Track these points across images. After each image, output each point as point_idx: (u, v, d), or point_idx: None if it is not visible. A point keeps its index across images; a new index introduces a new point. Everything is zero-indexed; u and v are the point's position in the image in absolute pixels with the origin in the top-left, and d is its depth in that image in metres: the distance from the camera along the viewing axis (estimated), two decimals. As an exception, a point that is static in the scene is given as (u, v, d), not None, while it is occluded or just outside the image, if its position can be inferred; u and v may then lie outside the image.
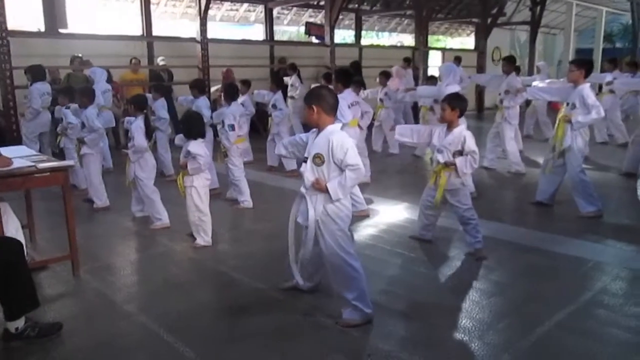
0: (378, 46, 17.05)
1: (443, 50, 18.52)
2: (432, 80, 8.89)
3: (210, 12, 10.37)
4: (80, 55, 9.11)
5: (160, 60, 10.60)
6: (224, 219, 5.46)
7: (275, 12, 13.55)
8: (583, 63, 5.34)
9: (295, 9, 14.10)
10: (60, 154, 6.56)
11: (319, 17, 14.24)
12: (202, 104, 6.53)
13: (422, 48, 14.19)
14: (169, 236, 4.95)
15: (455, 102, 4.21)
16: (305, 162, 3.16)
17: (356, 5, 15.01)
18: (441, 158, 4.24)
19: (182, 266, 4.33)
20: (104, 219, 5.57)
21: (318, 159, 3.09)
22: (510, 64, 7.45)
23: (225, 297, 3.74)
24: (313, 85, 9.42)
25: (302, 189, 3.17)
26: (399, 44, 18.17)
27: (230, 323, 3.33)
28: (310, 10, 14.32)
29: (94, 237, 4.98)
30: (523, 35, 19.62)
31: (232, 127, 5.70)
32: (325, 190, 3.05)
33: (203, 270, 4.21)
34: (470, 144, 4.15)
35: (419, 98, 8.72)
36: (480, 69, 16.23)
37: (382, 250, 4.55)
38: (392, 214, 5.61)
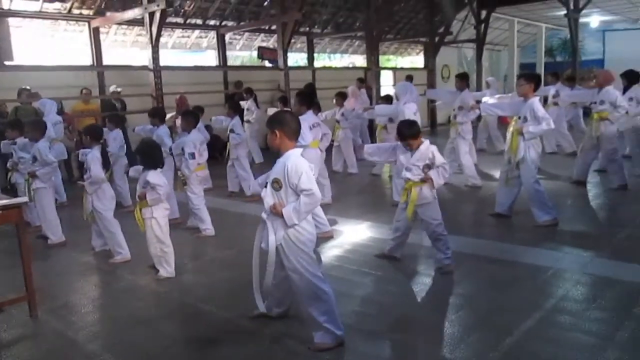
0: (331, 68, 17.28)
1: (394, 69, 18.92)
2: (388, 99, 9.04)
3: (161, 39, 10.28)
4: (28, 87, 8.84)
5: (112, 88, 10.41)
6: (186, 248, 5.36)
7: (227, 37, 13.57)
8: (532, 77, 5.55)
9: (247, 34, 14.17)
10: (11, 190, 6.31)
11: (271, 42, 14.34)
12: (163, 133, 6.44)
13: (374, 68, 14.43)
14: (131, 269, 4.81)
15: (409, 129, 4.33)
16: (266, 186, 3.16)
17: (307, 29, 15.20)
18: (411, 175, 4.30)
19: (146, 300, 4.21)
20: (61, 256, 5.37)
21: (276, 184, 3.10)
22: (462, 81, 7.66)
23: (192, 329, 3.65)
24: (270, 109, 9.39)
25: (264, 214, 3.18)
26: (351, 65, 18.46)
27: (199, 356, 3.25)
28: (262, 35, 14.41)
29: (52, 275, 4.79)
30: (470, 53, 20.29)
31: (193, 155, 5.64)
32: (282, 215, 3.05)
33: (168, 303, 4.10)
34: (439, 157, 4.29)
35: (376, 117, 8.86)
36: (431, 86, 16.63)
37: (348, 271, 4.55)
38: (355, 233, 5.63)
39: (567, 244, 5.00)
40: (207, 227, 5.80)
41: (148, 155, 4.54)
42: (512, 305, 3.73)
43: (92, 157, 5.01)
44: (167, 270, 4.55)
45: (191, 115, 6.06)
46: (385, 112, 7.82)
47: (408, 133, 4.30)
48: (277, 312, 3.57)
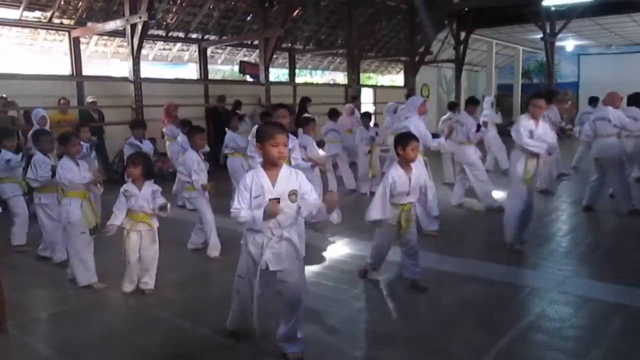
0: (312, 84, 17.38)
1: (375, 87, 19.13)
2: (367, 116, 9.11)
3: (142, 51, 10.24)
4: (4, 95, 8.72)
5: (89, 99, 10.30)
6: (164, 262, 5.27)
7: (209, 51, 13.58)
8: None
9: (229, 48, 14.20)
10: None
11: (253, 56, 14.39)
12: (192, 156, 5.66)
13: (354, 85, 14.59)
14: (105, 282, 4.71)
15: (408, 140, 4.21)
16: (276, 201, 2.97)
17: (289, 45, 15.30)
18: (413, 198, 4.27)
19: (119, 314, 4.14)
20: (32, 268, 5.24)
21: (294, 196, 3.05)
22: (473, 105, 7.65)
23: (166, 344, 3.58)
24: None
25: (280, 231, 3.05)
26: (331, 82, 18.61)
27: (174, 372, 3.20)
28: (244, 49, 14.46)
29: (21, 289, 4.66)
30: (449, 72, 20.64)
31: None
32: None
33: (142, 318, 4.03)
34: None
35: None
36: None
37: (326, 287, 4.53)
38: (333, 250, 5.62)
39: (542, 262, 5.05)
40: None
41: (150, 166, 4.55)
42: (490, 323, 3.75)
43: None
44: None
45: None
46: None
47: (414, 142, 4.18)
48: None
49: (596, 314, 3.86)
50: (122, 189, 4.35)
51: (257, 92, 12.83)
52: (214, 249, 5.42)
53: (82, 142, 5.72)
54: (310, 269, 4.98)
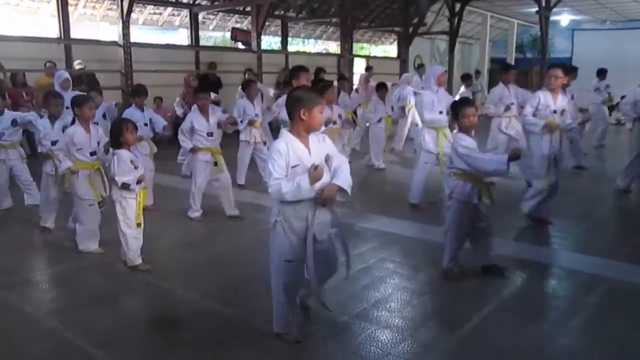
0: (304, 53, 17.19)
1: (367, 57, 18.96)
2: (384, 88, 8.70)
3: (132, 15, 10.05)
4: (-11, 57, 8.56)
5: (77, 64, 10.12)
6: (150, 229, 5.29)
7: (200, 17, 13.33)
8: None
9: (220, 14, 13.95)
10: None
11: (245, 23, 14.17)
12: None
13: (347, 55, 14.45)
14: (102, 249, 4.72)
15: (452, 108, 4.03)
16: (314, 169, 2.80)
17: (282, 12, 15.07)
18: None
19: (108, 278, 4.15)
20: (23, 231, 5.24)
21: (329, 160, 2.92)
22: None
23: (156, 309, 3.62)
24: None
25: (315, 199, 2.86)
26: (324, 51, 18.41)
27: (162, 335, 3.24)
28: (236, 16, 14.21)
29: (13, 249, 4.67)
30: (442, 45, 20.48)
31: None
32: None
33: (131, 283, 4.05)
34: None
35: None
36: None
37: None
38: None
39: (528, 237, 5.12)
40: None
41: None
42: (473, 292, 3.83)
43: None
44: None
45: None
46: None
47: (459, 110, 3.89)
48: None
49: (578, 286, 3.95)
50: (125, 159, 4.09)
51: (248, 60, 12.68)
52: (196, 212, 5.62)
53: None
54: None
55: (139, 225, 4.17)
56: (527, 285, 3.92)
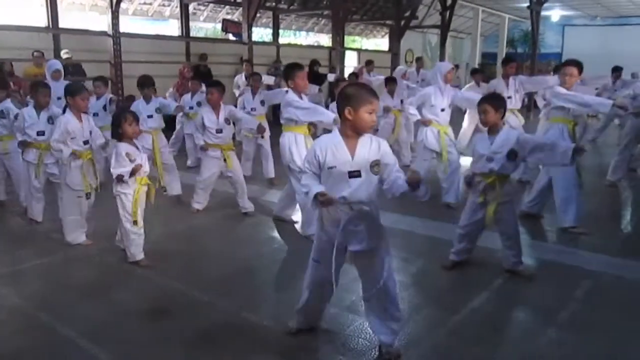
0: (296, 45, 17.13)
1: (359, 50, 18.94)
2: (393, 82, 8.58)
3: (122, 5, 9.94)
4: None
5: (64, 54, 10.01)
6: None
7: (191, 7, 13.24)
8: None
9: (211, 5, 13.86)
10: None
11: (236, 15, 14.08)
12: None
13: (338, 48, 14.40)
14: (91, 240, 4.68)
15: (497, 102, 3.82)
16: (356, 176, 2.64)
17: (274, 4, 14.99)
18: (496, 166, 3.73)
19: (97, 269, 4.13)
20: (12, 223, 5.20)
21: (377, 167, 2.66)
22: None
23: (145, 300, 3.61)
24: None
25: (360, 206, 2.66)
26: (316, 44, 18.36)
27: (151, 327, 3.23)
28: (227, 7, 14.12)
29: (1, 241, 4.64)
30: (434, 39, 20.50)
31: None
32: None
33: (120, 274, 4.03)
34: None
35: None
36: (394, 70, 16.74)
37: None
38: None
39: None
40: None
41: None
42: (463, 283, 3.86)
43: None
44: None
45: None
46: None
47: (501, 105, 3.77)
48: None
49: (566, 279, 3.98)
50: (121, 151, 3.99)
51: (239, 52, 12.60)
52: (197, 203, 5.61)
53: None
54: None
55: (135, 222, 4.09)
56: (515, 279, 3.93)
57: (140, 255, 4.15)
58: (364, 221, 2.68)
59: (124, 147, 4.02)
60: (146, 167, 4.13)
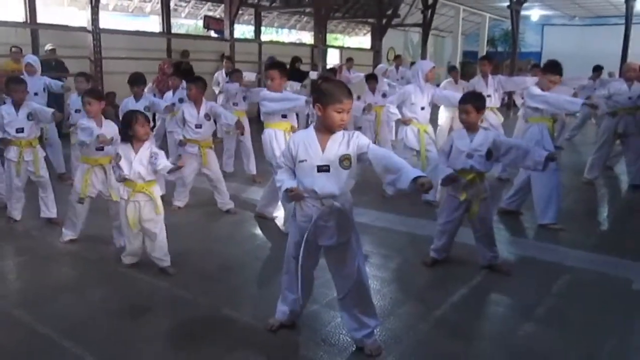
0: (278, 42, 17.10)
1: (341, 48, 18.96)
2: (374, 79, 8.67)
3: (102, 0, 9.83)
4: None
5: (48, 47, 9.87)
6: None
7: (172, 3, 13.14)
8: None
9: (193, 1, 13.77)
10: None
11: (217, 12, 14.02)
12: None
13: (320, 46, 14.40)
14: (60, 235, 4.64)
15: (479, 102, 3.87)
16: (324, 170, 2.66)
17: (256, 1, 14.94)
18: (475, 162, 3.79)
19: (75, 267, 4.10)
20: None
21: (346, 161, 2.67)
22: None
23: (126, 297, 3.59)
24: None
25: (331, 201, 2.67)
26: (298, 41, 18.34)
27: (133, 324, 3.21)
28: (209, 3, 14.05)
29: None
30: (415, 37, 20.60)
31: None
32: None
33: (102, 271, 4.01)
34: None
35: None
36: (376, 68, 16.81)
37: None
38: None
39: (498, 227, 5.20)
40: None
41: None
42: (441, 281, 3.90)
43: None
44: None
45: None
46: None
47: (481, 106, 3.83)
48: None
49: (543, 275, 4.05)
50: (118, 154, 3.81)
51: (221, 49, 12.56)
52: (178, 201, 5.61)
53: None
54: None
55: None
56: (494, 274, 3.99)
57: (133, 260, 4.06)
58: (334, 217, 2.71)
59: (120, 149, 3.82)
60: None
